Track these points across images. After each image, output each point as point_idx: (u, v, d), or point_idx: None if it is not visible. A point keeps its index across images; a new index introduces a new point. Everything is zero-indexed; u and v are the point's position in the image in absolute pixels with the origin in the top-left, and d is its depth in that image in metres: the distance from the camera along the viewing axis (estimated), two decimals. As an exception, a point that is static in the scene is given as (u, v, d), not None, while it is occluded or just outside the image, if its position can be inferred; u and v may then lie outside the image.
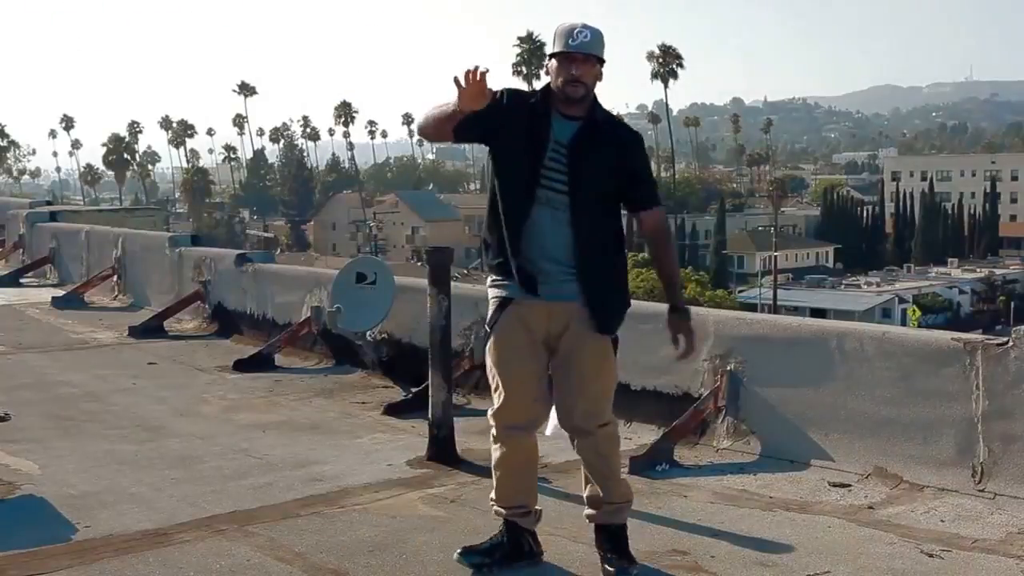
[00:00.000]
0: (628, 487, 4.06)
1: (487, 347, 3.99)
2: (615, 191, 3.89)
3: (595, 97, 3.88)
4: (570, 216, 3.80)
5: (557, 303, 3.84)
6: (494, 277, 3.95)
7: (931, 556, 4.13)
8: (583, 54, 3.77)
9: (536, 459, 4.09)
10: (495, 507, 4.07)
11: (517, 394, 3.90)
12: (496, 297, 3.95)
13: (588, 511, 4.03)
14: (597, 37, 3.82)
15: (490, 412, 4.01)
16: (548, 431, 4.22)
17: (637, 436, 5.86)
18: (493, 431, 4.02)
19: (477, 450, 5.52)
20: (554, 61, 3.82)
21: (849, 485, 5.00)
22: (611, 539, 3.98)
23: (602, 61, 3.84)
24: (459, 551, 4.02)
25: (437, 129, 3.87)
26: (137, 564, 4.06)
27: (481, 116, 3.73)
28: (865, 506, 4.75)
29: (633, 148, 3.92)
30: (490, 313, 3.97)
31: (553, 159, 3.81)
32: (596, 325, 3.85)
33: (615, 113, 4.18)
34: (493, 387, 3.99)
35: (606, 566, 3.93)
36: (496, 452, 4.03)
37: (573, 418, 3.92)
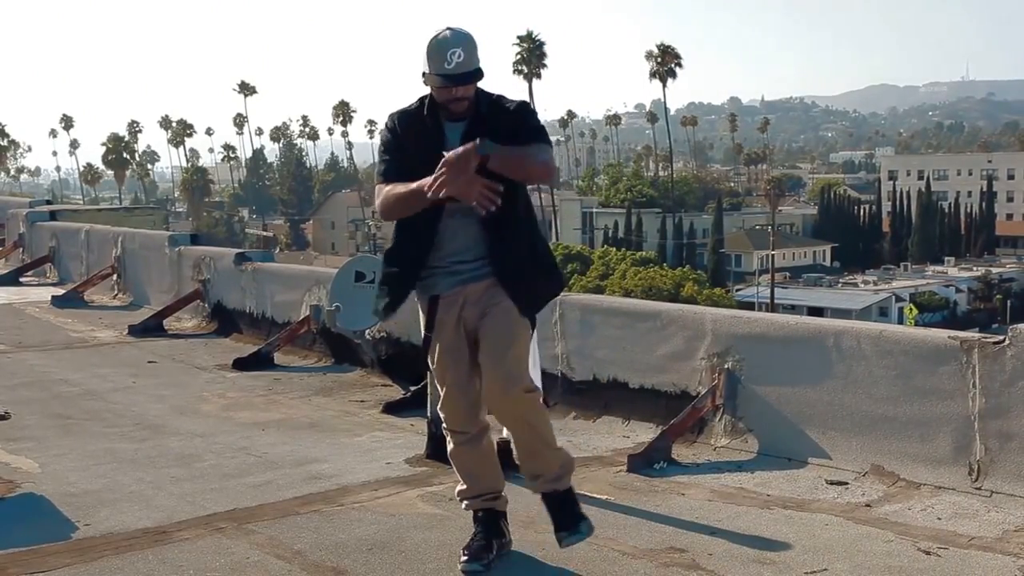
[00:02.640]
0: (566, 453, 4.02)
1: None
2: None
3: (477, 90, 3.82)
4: (476, 217, 3.78)
5: (471, 285, 3.86)
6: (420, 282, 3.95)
7: (928, 554, 4.14)
8: (464, 75, 3.72)
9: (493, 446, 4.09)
10: (465, 502, 4.06)
11: (456, 394, 3.94)
12: (424, 297, 3.95)
13: (528, 483, 4.02)
14: (470, 51, 3.71)
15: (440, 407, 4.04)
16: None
17: (635, 434, 5.88)
18: (444, 424, 4.02)
19: (476, 448, 5.53)
20: (433, 78, 3.74)
21: (846, 483, 5.01)
22: (557, 506, 3.97)
23: (480, 68, 3.75)
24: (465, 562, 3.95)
25: (402, 213, 3.86)
26: (137, 562, 4.07)
27: (408, 165, 3.79)
28: (862, 504, 4.76)
29: (513, 116, 3.84)
30: (424, 318, 3.98)
31: None
32: (513, 300, 3.84)
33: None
34: (439, 383, 4.01)
35: (556, 533, 3.95)
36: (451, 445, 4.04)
37: (495, 389, 3.85)
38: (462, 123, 3.82)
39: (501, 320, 3.85)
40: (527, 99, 4.00)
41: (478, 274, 3.87)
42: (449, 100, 3.77)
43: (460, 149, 3.66)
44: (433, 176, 3.66)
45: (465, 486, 4.06)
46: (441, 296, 3.90)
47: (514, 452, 4.02)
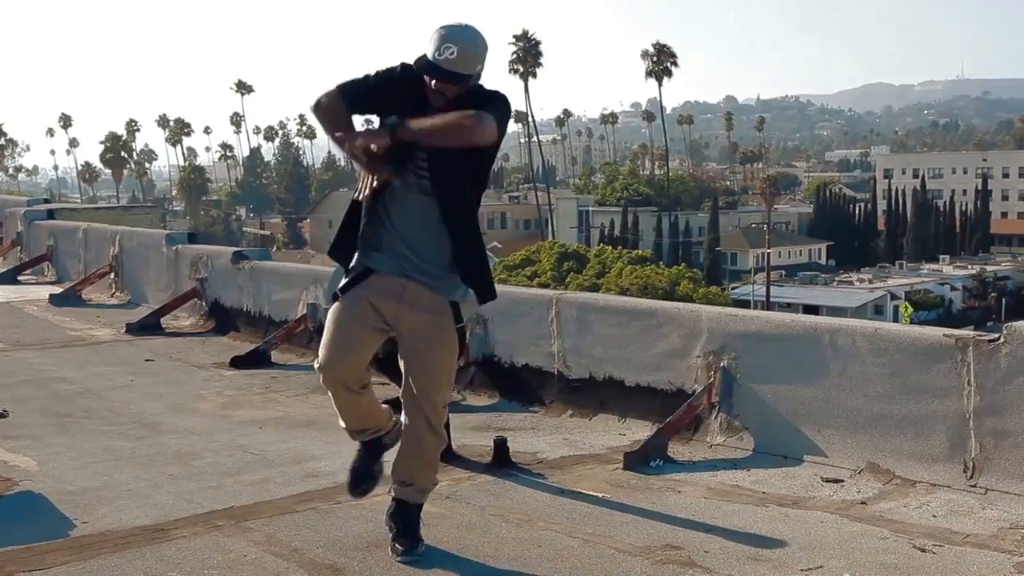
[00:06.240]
0: (435, 476, 4.20)
1: (331, 308, 4.07)
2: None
3: (472, 86, 3.78)
4: (440, 209, 3.84)
5: (413, 284, 3.91)
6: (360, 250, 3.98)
7: (923, 551, 4.16)
8: (446, 71, 3.69)
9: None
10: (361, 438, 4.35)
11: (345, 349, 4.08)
12: (358, 264, 3.98)
13: (394, 485, 4.16)
14: (467, 55, 3.68)
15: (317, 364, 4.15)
16: None
17: (631, 432, 5.90)
18: (321, 379, 4.18)
19: (472, 446, 5.55)
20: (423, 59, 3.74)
21: (842, 480, 5.03)
22: (405, 518, 4.10)
23: (471, 75, 3.73)
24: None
25: (323, 124, 3.84)
26: (134, 560, 4.08)
27: (379, 89, 3.78)
28: (858, 501, 4.78)
29: (478, 101, 3.76)
30: (345, 279, 4.03)
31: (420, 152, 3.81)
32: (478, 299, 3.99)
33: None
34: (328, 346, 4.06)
35: (396, 544, 4.06)
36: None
37: (411, 392, 4.11)
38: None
39: (437, 363, 4.05)
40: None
41: (425, 275, 3.91)
42: (430, 88, 3.75)
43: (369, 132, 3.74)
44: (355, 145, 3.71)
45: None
46: (377, 272, 3.93)
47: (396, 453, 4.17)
